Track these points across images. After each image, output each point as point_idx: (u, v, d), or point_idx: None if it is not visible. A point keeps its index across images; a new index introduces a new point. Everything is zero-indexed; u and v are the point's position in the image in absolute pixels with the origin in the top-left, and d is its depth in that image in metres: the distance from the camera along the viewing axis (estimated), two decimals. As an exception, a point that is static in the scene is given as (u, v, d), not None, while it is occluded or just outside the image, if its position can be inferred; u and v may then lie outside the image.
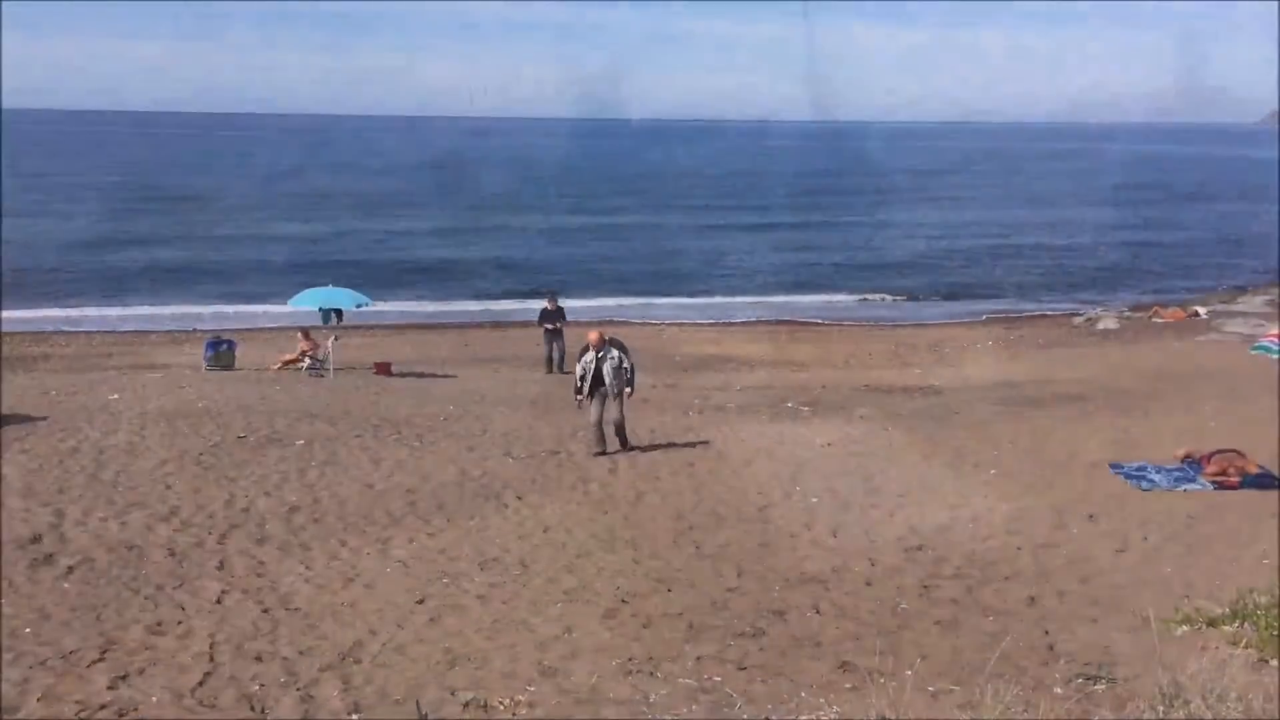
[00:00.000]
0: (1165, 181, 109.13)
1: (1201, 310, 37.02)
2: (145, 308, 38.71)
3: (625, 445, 14.69)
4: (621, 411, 14.65)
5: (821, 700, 7.10)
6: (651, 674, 7.66)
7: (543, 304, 25.22)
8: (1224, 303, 39.43)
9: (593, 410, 14.57)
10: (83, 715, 6.71)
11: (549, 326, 24.41)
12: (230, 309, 38.61)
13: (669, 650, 8.11)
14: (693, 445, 15.28)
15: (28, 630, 8.18)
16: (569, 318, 25.46)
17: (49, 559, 9.80)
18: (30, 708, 6.79)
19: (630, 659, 7.93)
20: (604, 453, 14.38)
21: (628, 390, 14.75)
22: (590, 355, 14.58)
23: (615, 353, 14.63)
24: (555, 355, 24.03)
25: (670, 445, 15.26)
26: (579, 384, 14.76)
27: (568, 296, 29.67)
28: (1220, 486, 13.20)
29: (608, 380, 14.51)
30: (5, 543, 10.14)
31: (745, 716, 6.86)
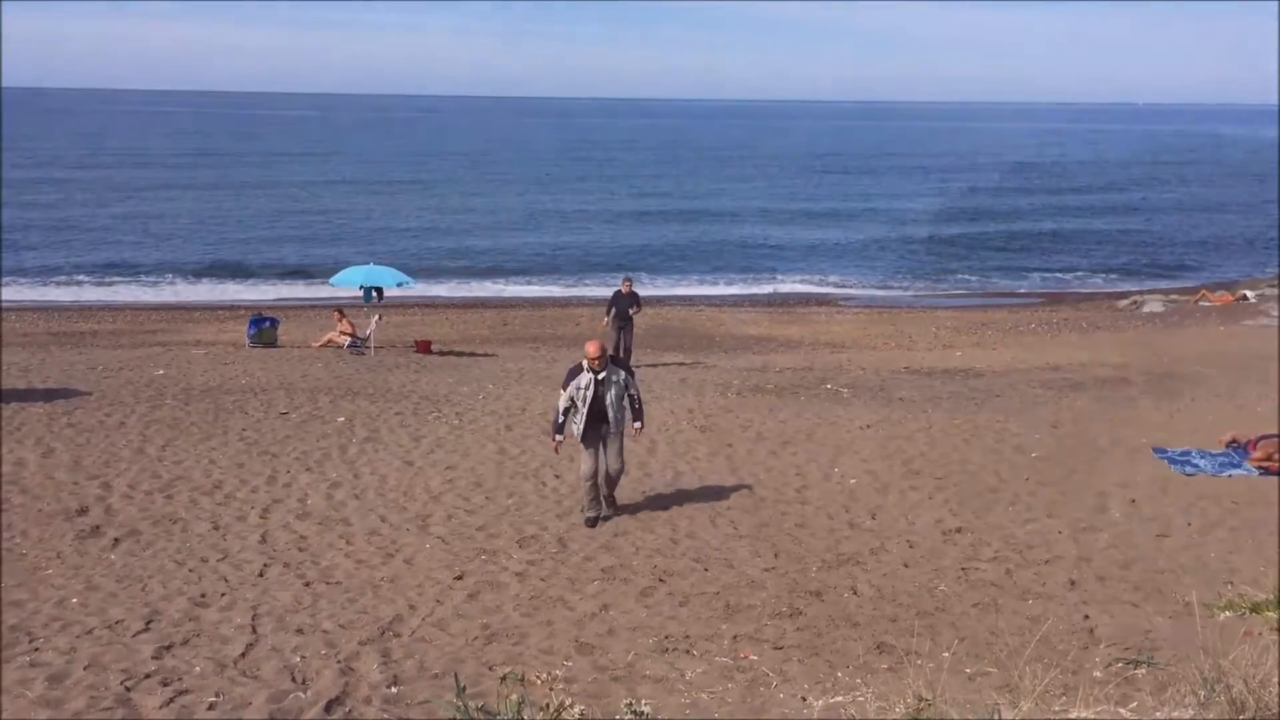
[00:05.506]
0: (1214, 161, 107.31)
1: (1250, 294, 36.41)
2: (189, 284, 39.31)
3: (613, 504, 10.97)
4: (621, 458, 10.85)
5: (858, 680, 7.10)
6: (688, 652, 7.69)
7: (616, 288, 21.39)
8: (1272, 287, 38.75)
9: (586, 461, 10.63)
10: (128, 684, 6.85)
11: (628, 312, 20.48)
12: (274, 286, 39.10)
13: (705, 629, 8.14)
14: (730, 426, 15.25)
15: (75, 600, 8.35)
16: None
17: (96, 531, 10.00)
18: (77, 675, 6.94)
19: (667, 637, 7.96)
20: (597, 519, 10.68)
21: (637, 426, 10.94)
22: (586, 378, 10.48)
23: (620, 375, 10.72)
24: (623, 348, 20.01)
25: (708, 426, 15.25)
26: (560, 418, 10.62)
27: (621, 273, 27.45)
28: (1266, 472, 13.00)
29: (610, 414, 10.56)
30: (53, 514, 10.36)
31: (781, 695, 6.88)
